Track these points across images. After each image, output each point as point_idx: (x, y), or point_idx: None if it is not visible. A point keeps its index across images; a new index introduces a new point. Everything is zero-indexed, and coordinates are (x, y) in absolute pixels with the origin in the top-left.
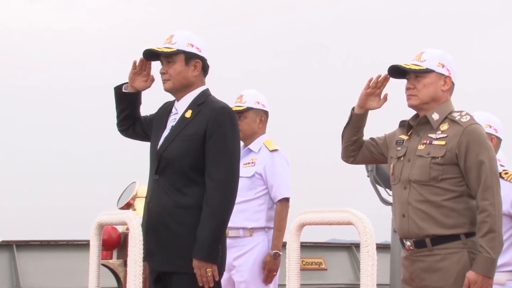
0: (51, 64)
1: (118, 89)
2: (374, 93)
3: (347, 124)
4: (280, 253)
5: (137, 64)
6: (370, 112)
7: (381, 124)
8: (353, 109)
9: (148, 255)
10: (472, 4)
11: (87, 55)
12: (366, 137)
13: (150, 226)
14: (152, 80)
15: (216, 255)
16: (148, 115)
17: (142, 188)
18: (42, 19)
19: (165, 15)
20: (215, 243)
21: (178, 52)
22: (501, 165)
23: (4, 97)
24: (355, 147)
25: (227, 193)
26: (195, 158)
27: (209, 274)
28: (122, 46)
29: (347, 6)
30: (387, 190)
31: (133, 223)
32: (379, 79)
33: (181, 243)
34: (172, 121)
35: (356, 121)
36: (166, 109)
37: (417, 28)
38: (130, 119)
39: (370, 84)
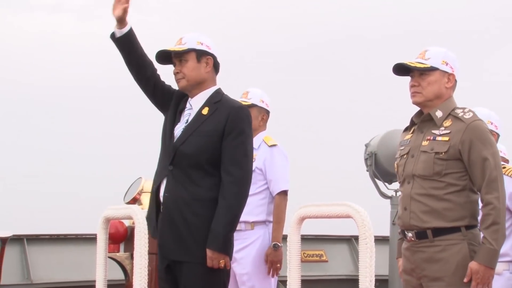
0: (67, 73)
1: (113, 37)
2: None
3: None
4: (280, 244)
5: None
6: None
7: (383, 124)
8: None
9: (162, 245)
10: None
11: (103, 64)
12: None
13: (165, 216)
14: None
15: (229, 246)
16: (168, 87)
17: (148, 183)
18: (64, 29)
19: (180, 29)
20: (229, 236)
21: (189, 50)
22: (504, 158)
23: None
24: None
25: (242, 188)
26: (212, 153)
27: (222, 265)
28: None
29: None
30: (386, 184)
31: (139, 217)
32: None
33: (196, 233)
34: (187, 115)
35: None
36: (181, 98)
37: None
38: (133, 61)
39: None
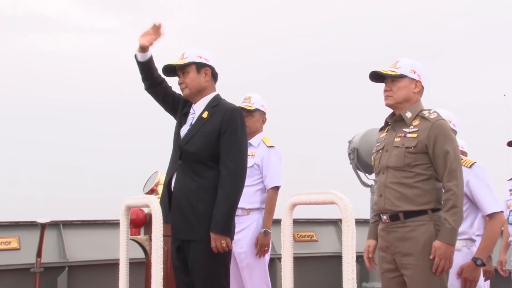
0: (97, 84)
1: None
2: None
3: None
4: (270, 231)
5: (153, 28)
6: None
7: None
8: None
9: (173, 227)
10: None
11: (129, 75)
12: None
13: (176, 203)
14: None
15: (229, 229)
16: (178, 95)
17: (163, 176)
18: (94, 47)
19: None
20: (228, 220)
21: (190, 63)
22: (463, 151)
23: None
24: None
25: (238, 179)
26: (211, 150)
27: (224, 245)
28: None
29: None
30: (366, 174)
31: (155, 206)
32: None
33: (201, 216)
34: (190, 119)
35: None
36: (186, 102)
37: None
38: (148, 81)
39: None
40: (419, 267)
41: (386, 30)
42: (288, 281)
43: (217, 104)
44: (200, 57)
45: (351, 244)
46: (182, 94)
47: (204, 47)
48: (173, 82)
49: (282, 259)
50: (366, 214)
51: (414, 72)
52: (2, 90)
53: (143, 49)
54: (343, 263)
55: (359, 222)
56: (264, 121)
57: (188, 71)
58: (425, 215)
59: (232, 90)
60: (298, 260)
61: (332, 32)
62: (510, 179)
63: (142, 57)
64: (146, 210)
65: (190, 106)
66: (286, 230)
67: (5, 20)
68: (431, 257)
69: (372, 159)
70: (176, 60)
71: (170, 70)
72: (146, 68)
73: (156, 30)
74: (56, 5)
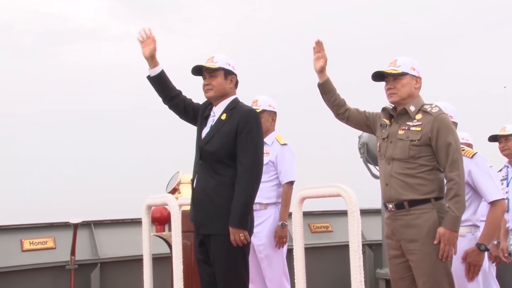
0: (126, 91)
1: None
2: (320, 58)
3: (322, 94)
4: (287, 223)
5: (141, 38)
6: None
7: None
8: (318, 83)
9: (196, 223)
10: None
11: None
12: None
13: (197, 201)
14: (154, 40)
15: (246, 223)
16: (196, 103)
17: (184, 176)
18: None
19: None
20: (245, 214)
21: (220, 68)
22: (468, 143)
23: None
24: (339, 106)
25: (253, 175)
26: (230, 149)
27: (242, 238)
28: (183, 77)
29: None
30: (376, 167)
31: (172, 204)
32: (316, 44)
33: (221, 212)
34: (211, 121)
35: (326, 87)
36: (206, 107)
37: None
38: (164, 94)
39: (315, 53)
40: (424, 253)
41: (392, 27)
42: (300, 269)
43: (234, 107)
44: (229, 65)
45: (356, 234)
46: (200, 102)
47: (225, 49)
48: (191, 91)
49: (294, 249)
50: (377, 204)
51: (414, 69)
52: (52, 97)
53: (152, 61)
54: (350, 252)
55: (372, 212)
56: (274, 119)
57: (216, 75)
58: (428, 203)
59: (251, 83)
60: (315, 250)
61: (338, 35)
62: (499, 171)
63: (153, 72)
64: (169, 208)
65: (210, 109)
66: (297, 223)
67: (54, 36)
68: (435, 242)
69: (378, 145)
70: (204, 62)
71: (196, 70)
72: (159, 83)
73: (149, 36)
74: (91, 17)
